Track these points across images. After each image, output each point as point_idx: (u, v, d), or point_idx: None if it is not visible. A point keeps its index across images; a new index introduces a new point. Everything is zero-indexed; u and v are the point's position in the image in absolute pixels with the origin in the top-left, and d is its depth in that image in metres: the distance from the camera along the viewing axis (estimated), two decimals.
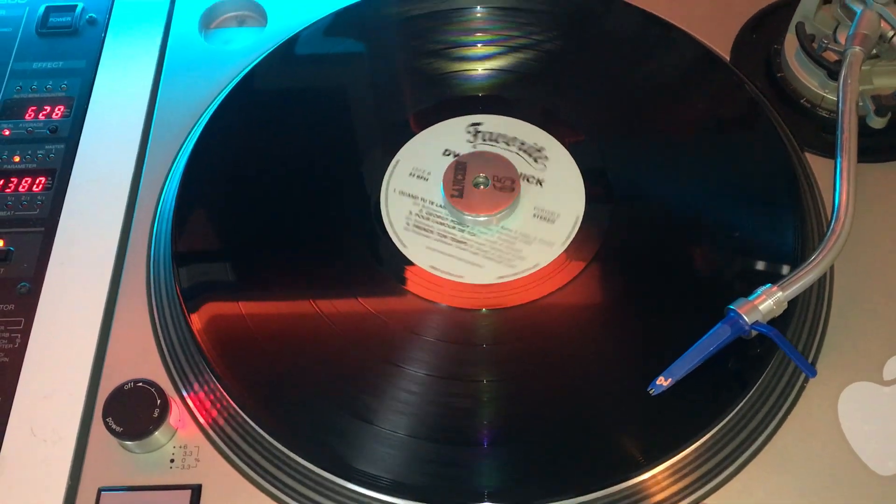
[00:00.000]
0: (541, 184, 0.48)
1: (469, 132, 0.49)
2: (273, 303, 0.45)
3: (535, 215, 0.47)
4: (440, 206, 0.48)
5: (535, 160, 0.48)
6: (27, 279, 0.46)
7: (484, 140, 0.49)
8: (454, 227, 0.47)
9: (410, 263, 0.46)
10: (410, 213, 0.48)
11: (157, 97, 0.53)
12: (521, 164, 0.48)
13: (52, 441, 0.42)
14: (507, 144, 0.48)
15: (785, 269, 0.43)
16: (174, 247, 0.46)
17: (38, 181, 0.50)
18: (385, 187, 0.48)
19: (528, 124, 0.50)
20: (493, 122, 0.50)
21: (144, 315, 0.45)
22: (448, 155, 0.49)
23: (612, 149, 0.49)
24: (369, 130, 0.52)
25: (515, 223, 0.47)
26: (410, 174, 0.49)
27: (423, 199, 0.48)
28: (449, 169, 0.48)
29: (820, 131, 0.50)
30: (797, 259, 0.44)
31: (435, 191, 0.48)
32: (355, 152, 0.50)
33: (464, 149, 0.49)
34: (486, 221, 0.47)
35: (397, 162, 0.49)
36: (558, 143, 0.49)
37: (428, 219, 0.47)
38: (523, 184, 0.48)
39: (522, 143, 0.48)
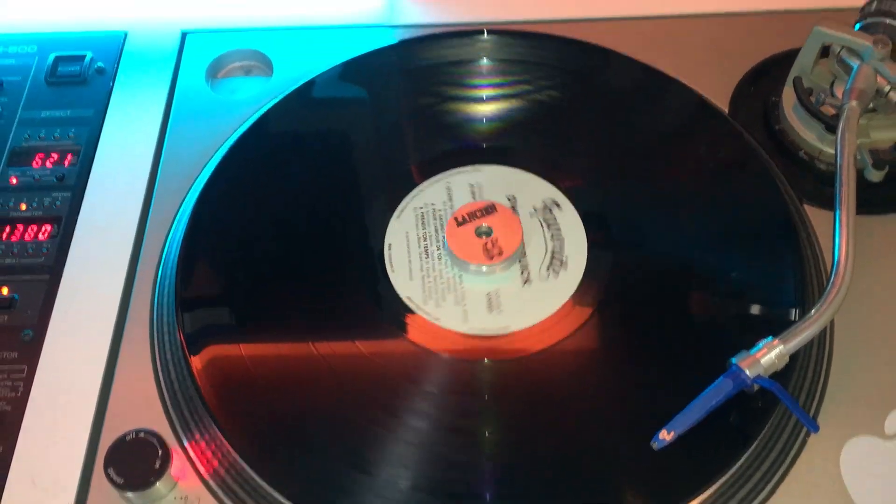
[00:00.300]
0: (526, 283, 0.47)
1: (543, 203, 0.49)
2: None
3: (487, 295, 0.47)
4: None
5: (548, 267, 0.47)
6: (31, 326, 0.47)
7: (543, 220, 0.49)
8: (439, 241, 0.48)
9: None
10: (432, 204, 0.49)
11: (164, 146, 0.54)
12: (535, 258, 0.48)
13: (53, 492, 0.42)
14: (551, 238, 0.48)
15: (786, 322, 0.43)
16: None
17: (43, 229, 0.50)
18: (438, 179, 0.50)
19: (585, 240, 0.48)
20: (566, 215, 0.49)
21: (147, 363, 0.45)
22: (510, 201, 0.49)
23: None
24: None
25: (469, 283, 0.47)
26: (470, 184, 0.50)
27: (451, 204, 0.49)
28: (481, 203, 0.48)
29: (819, 184, 0.50)
30: (798, 311, 0.44)
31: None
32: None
33: (523, 209, 0.49)
34: (451, 259, 0.47)
35: (475, 170, 0.51)
36: (581, 269, 0.47)
37: (436, 219, 0.49)
38: (512, 270, 0.47)
39: (559, 249, 0.47)
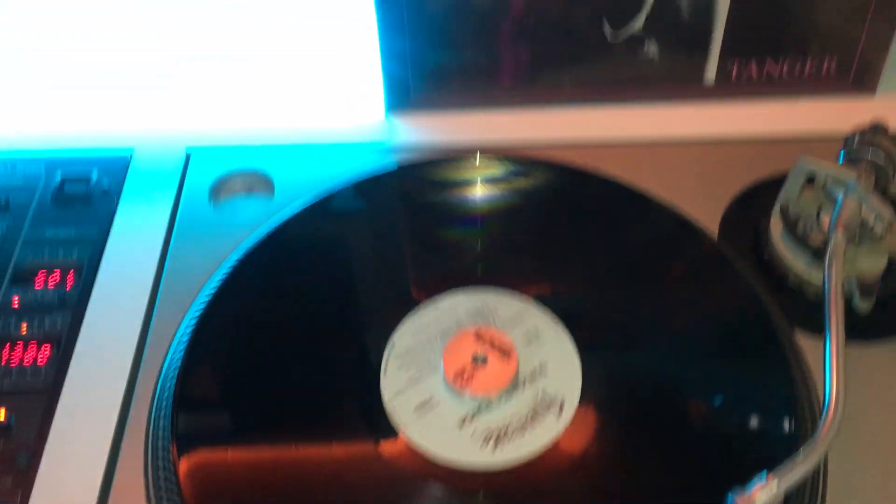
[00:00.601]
0: (459, 425, 0.46)
1: (555, 396, 0.47)
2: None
3: (427, 399, 0.47)
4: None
5: (492, 437, 0.45)
6: (26, 451, 0.47)
7: (538, 405, 0.47)
8: (443, 340, 0.49)
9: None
10: (499, 308, 0.50)
11: (165, 266, 0.55)
12: (490, 420, 0.46)
13: None
14: (521, 423, 0.46)
15: (779, 453, 0.43)
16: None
17: (42, 350, 0.50)
18: (525, 302, 0.51)
19: (537, 450, 0.45)
20: (555, 422, 0.46)
21: (141, 492, 0.45)
22: (539, 367, 0.48)
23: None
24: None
25: (430, 379, 0.48)
26: (536, 326, 0.50)
27: (507, 325, 0.50)
28: (508, 343, 0.48)
29: (809, 310, 0.51)
30: (791, 432, 0.45)
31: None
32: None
33: (539, 380, 0.48)
34: (439, 355, 0.48)
35: (553, 327, 0.50)
36: (506, 463, 0.45)
37: (484, 321, 0.50)
38: (461, 406, 0.46)
39: (514, 435, 0.45)
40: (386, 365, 0.48)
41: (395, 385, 0.47)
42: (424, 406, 0.47)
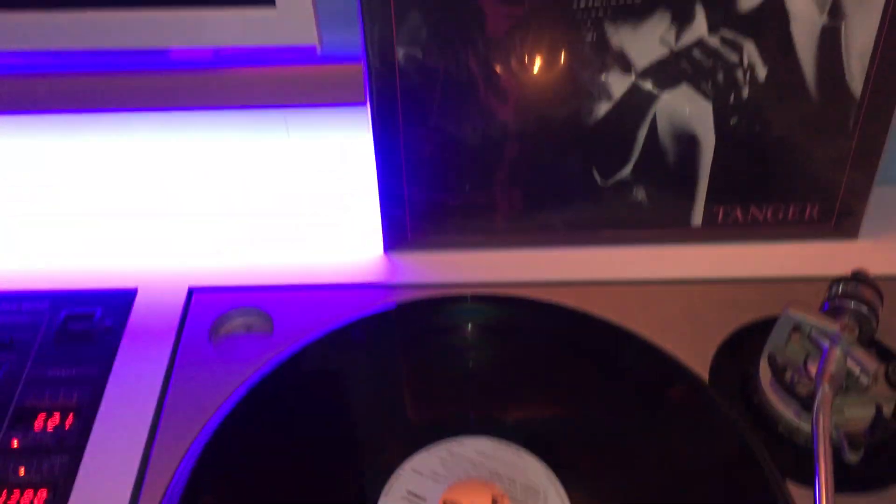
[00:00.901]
0: None
1: None
2: None
3: (411, 492, 0.48)
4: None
5: None
6: None
7: None
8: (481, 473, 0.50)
9: None
10: (536, 479, 0.50)
11: (164, 406, 0.55)
12: None
13: None
14: None
15: None
16: None
17: (39, 495, 0.51)
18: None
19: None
20: None
21: None
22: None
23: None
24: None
25: (433, 484, 0.48)
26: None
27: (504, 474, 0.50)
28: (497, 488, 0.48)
29: (799, 458, 0.52)
30: None
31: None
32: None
33: None
34: (427, 481, 0.49)
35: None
36: None
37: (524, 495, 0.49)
38: None
39: None
40: (435, 448, 0.50)
41: (422, 465, 0.49)
42: (412, 499, 0.47)
